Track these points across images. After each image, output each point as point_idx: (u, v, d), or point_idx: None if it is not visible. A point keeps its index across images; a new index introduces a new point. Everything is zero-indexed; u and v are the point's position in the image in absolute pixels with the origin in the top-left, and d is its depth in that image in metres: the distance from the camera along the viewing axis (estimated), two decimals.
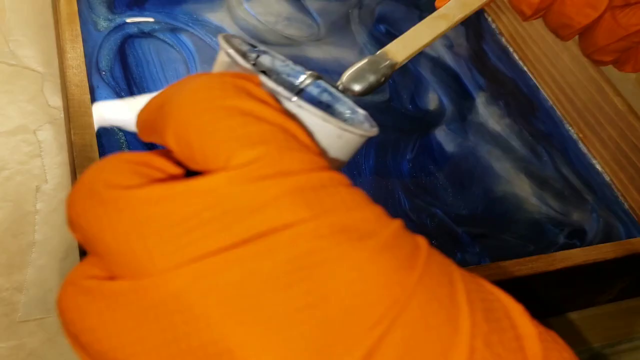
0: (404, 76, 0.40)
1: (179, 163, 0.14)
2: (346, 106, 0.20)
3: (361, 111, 0.20)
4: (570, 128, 0.40)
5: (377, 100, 0.38)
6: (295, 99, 0.15)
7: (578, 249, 0.29)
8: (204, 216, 0.12)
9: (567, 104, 0.41)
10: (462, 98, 0.40)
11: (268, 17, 0.41)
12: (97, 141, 0.29)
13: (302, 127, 0.15)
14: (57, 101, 0.36)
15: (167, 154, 0.14)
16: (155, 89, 0.35)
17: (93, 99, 0.32)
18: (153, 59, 0.36)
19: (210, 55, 0.38)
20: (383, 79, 0.23)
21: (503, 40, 0.45)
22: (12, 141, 0.34)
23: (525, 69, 0.43)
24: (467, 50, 0.44)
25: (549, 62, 0.42)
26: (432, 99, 0.39)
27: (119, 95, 0.34)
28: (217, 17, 0.40)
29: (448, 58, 0.43)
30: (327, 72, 0.39)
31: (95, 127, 0.30)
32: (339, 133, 0.16)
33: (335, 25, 0.43)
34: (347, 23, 0.43)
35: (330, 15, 0.43)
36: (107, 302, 0.13)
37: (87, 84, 0.31)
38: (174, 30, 0.39)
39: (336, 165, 0.17)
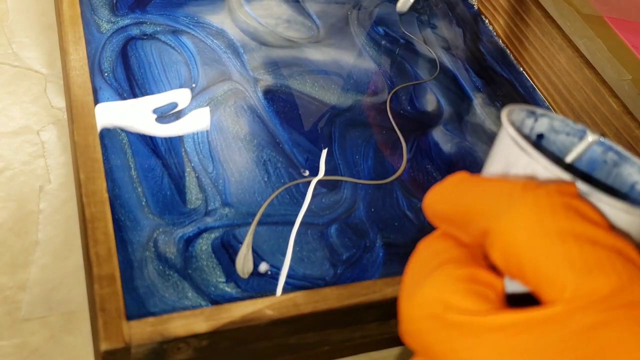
0: (403, 78, 0.41)
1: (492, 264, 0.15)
2: (636, 167, 0.19)
3: None
4: None
5: (376, 101, 0.39)
6: (595, 194, 0.15)
7: None
8: (545, 347, 0.13)
9: (563, 105, 0.41)
10: (460, 99, 0.40)
11: (268, 20, 0.42)
12: (100, 142, 0.30)
13: (634, 245, 0.14)
14: (60, 102, 0.36)
15: (478, 257, 0.15)
16: (157, 90, 0.35)
17: (96, 100, 0.33)
18: (155, 60, 0.37)
19: (210, 57, 0.38)
20: None
21: (500, 41, 0.46)
22: (16, 142, 0.34)
23: (521, 70, 0.44)
24: (465, 52, 0.44)
25: (545, 64, 0.42)
26: (430, 100, 0.40)
27: (121, 96, 0.34)
28: (217, 19, 0.41)
29: (446, 59, 0.43)
30: (327, 74, 0.39)
31: (98, 128, 0.31)
32: None
33: (334, 27, 0.43)
34: (346, 25, 0.43)
35: (330, 17, 0.44)
36: None
37: (90, 85, 0.31)
38: (175, 32, 0.39)
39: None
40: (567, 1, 0.53)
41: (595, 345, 0.13)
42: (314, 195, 0.32)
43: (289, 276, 0.28)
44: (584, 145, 0.19)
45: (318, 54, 0.40)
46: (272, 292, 0.28)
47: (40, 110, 0.36)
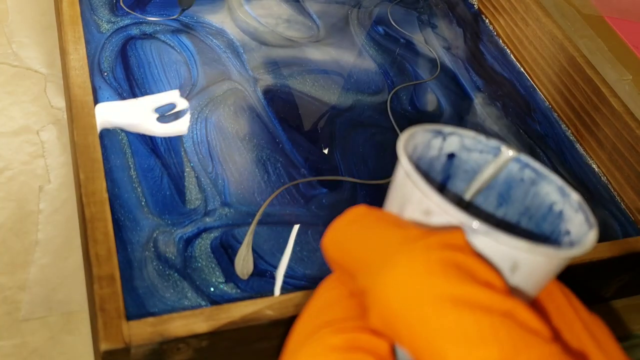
0: (404, 78, 0.41)
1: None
2: (554, 186, 0.17)
3: (574, 195, 0.17)
4: (566, 129, 0.40)
5: (376, 101, 0.38)
6: (493, 233, 0.14)
7: None
8: None
9: (563, 105, 0.41)
10: (460, 99, 0.40)
11: (268, 19, 0.42)
12: (100, 142, 0.30)
13: (528, 307, 0.13)
14: (59, 102, 0.36)
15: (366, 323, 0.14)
16: (157, 90, 0.35)
17: (95, 100, 0.33)
18: (154, 60, 0.37)
19: (210, 57, 0.38)
20: None
21: (500, 41, 0.46)
22: (16, 141, 0.34)
23: (522, 70, 0.44)
24: (465, 52, 0.44)
25: (546, 63, 0.42)
26: (431, 100, 0.40)
27: (121, 96, 0.34)
28: (217, 18, 0.41)
29: (446, 59, 0.43)
30: (327, 73, 0.39)
31: (98, 128, 0.31)
32: (548, 260, 0.14)
33: (334, 27, 0.43)
34: (346, 25, 0.43)
35: (330, 17, 0.44)
36: None
37: (89, 85, 0.31)
38: (175, 31, 0.39)
39: (543, 285, 0.15)
40: (568, 1, 0.53)
41: None
42: (314, 196, 0.32)
43: (289, 276, 0.28)
44: (500, 162, 0.18)
45: (318, 54, 0.40)
46: (272, 292, 0.28)
47: (40, 110, 0.36)
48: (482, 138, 0.18)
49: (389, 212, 0.16)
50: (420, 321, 0.12)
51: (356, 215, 0.15)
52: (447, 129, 0.18)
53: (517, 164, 0.18)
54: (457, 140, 0.18)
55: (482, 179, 0.18)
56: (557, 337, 0.14)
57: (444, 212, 0.14)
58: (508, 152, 0.18)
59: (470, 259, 0.13)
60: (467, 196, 0.19)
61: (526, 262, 0.14)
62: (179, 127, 0.34)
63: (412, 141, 0.17)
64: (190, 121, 0.34)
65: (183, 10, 0.35)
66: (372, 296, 0.13)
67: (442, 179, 0.19)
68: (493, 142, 0.18)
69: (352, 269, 0.14)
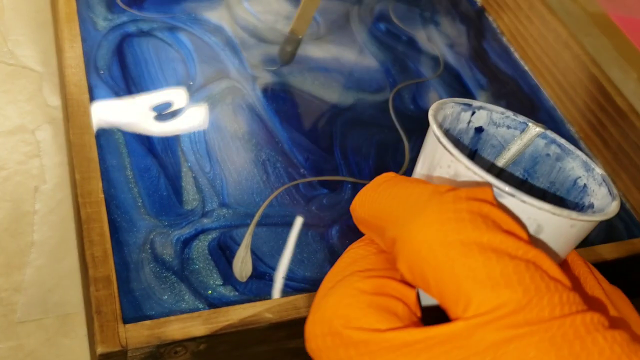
0: (406, 76, 0.40)
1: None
2: (579, 161, 0.18)
3: (598, 170, 0.17)
4: (571, 128, 0.40)
5: (379, 99, 0.38)
6: (519, 195, 0.14)
7: (579, 249, 0.29)
8: None
9: (568, 104, 0.40)
10: (463, 97, 0.40)
11: (267, 16, 0.41)
12: (96, 141, 0.29)
13: (550, 257, 0.13)
14: (55, 101, 0.36)
15: (395, 265, 0.14)
16: (154, 88, 0.35)
17: (92, 99, 0.32)
18: (151, 58, 0.36)
19: (208, 54, 0.37)
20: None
21: (504, 39, 0.45)
22: (11, 141, 0.34)
23: (526, 68, 0.43)
24: (468, 50, 0.44)
25: (550, 62, 0.42)
26: (433, 99, 0.39)
27: (117, 94, 0.34)
28: (216, 15, 0.40)
29: (449, 57, 0.42)
30: (327, 70, 0.39)
31: (94, 127, 0.30)
32: (571, 223, 0.15)
33: (335, 24, 0.42)
34: (347, 22, 0.43)
35: (330, 14, 0.43)
36: None
37: (85, 84, 0.30)
38: (172, 29, 0.38)
39: (566, 250, 0.16)
40: None
41: None
42: (314, 196, 0.32)
43: (288, 279, 0.28)
44: (527, 138, 0.18)
45: (318, 51, 0.40)
46: (271, 295, 0.27)
47: (36, 109, 0.35)
48: (510, 114, 0.18)
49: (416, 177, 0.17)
50: (448, 264, 0.13)
51: (385, 179, 0.16)
52: (476, 103, 0.18)
53: (543, 140, 0.18)
54: (485, 114, 0.18)
55: (509, 154, 0.19)
56: (576, 288, 0.15)
57: (473, 175, 0.15)
58: (535, 128, 0.18)
59: (497, 211, 0.13)
60: (494, 171, 0.19)
61: (550, 225, 0.14)
62: (176, 126, 0.33)
63: (442, 111, 0.18)
64: (188, 120, 0.33)
65: (280, 66, 0.35)
66: (402, 242, 0.14)
67: (469, 152, 0.19)
68: (521, 118, 0.18)
69: (383, 222, 0.15)
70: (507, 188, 0.14)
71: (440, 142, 0.16)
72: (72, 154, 0.27)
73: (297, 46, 0.37)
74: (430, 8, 0.46)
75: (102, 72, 0.35)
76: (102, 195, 0.26)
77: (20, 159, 0.33)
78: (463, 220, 0.13)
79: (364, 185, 0.33)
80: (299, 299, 0.25)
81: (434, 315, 0.15)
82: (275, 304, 0.24)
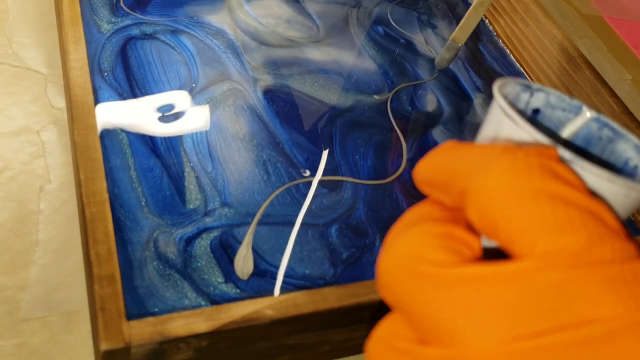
0: (404, 78, 0.41)
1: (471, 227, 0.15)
2: (631, 144, 0.19)
3: None
4: None
5: (377, 101, 0.39)
6: (579, 162, 0.15)
7: None
8: (511, 301, 0.13)
9: None
10: (460, 99, 0.40)
11: (268, 19, 0.42)
12: (100, 142, 0.30)
13: (610, 209, 0.14)
14: (60, 102, 0.36)
15: (459, 220, 0.15)
16: (157, 90, 0.35)
17: (96, 100, 0.33)
18: (154, 60, 0.37)
19: (210, 57, 0.38)
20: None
21: (500, 41, 0.46)
22: (16, 142, 0.34)
23: (521, 70, 0.44)
24: (465, 52, 0.44)
25: (545, 64, 0.42)
26: (431, 100, 0.40)
27: (121, 96, 0.34)
28: (217, 19, 0.41)
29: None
30: (327, 73, 0.39)
31: (98, 128, 0.31)
32: (626, 192, 0.15)
33: (334, 27, 0.43)
34: (346, 25, 0.43)
35: (330, 17, 0.44)
36: None
37: (90, 85, 0.31)
38: (175, 32, 0.39)
39: (618, 218, 0.16)
40: (567, 1, 0.53)
41: (560, 300, 0.13)
42: (314, 196, 0.32)
43: (289, 276, 0.28)
44: (581, 121, 0.19)
45: (318, 54, 0.40)
46: (272, 292, 0.28)
47: (41, 110, 0.36)
48: (565, 97, 0.19)
49: None
50: (517, 211, 0.14)
51: (450, 146, 0.17)
52: (536, 85, 0.19)
53: (596, 123, 0.19)
54: (543, 96, 0.19)
55: (564, 136, 0.19)
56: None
57: (535, 141, 0.16)
58: (589, 112, 0.19)
59: (562, 167, 0.15)
60: None
61: (606, 192, 0.15)
62: (179, 127, 0.34)
63: (504, 89, 0.18)
64: (190, 121, 0.34)
65: (440, 71, 0.36)
66: (473, 192, 0.15)
67: None
68: (575, 102, 0.19)
69: (451, 178, 0.16)
70: (567, 155, 0.15)
71: (505, 112, 0.16)
72: (77, 155, 0.28)
73: (456, 53, 0.39)
74: (428, 11, 0.47)
75: (106, 74, 0.35)
76: (106, 195, 0.27)
77: (26, 159, 0.33)
78: (533, 172, 0.14)
79: (362, 185, 0.34)
80: (299, 296, 0.25)
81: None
82: (276, 301, 0.25)
